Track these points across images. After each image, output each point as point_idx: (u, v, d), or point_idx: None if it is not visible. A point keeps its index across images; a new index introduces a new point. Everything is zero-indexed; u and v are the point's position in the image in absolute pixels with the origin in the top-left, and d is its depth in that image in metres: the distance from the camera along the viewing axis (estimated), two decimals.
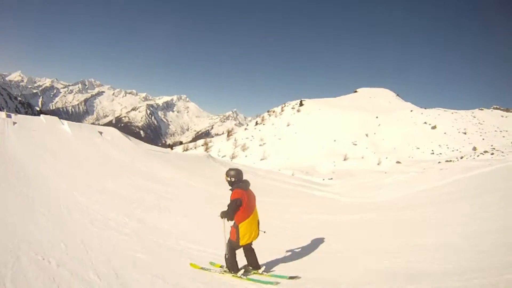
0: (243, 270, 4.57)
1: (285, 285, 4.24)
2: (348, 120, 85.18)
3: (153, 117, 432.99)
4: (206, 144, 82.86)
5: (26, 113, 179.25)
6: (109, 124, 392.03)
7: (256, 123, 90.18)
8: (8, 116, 18.32)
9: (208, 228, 7.69)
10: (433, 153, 73.42)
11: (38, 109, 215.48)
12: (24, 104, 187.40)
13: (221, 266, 4.89)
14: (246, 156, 71.01)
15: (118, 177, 12.50)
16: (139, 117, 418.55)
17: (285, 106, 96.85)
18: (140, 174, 14.19)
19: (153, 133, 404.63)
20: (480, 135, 79.34)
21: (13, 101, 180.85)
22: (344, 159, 65.87)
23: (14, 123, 17.14)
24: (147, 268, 4.73)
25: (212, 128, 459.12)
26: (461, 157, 65.11)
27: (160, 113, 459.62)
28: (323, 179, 44.90)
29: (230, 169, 4.59)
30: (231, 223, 4.48)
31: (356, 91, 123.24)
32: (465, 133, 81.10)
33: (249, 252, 4.67)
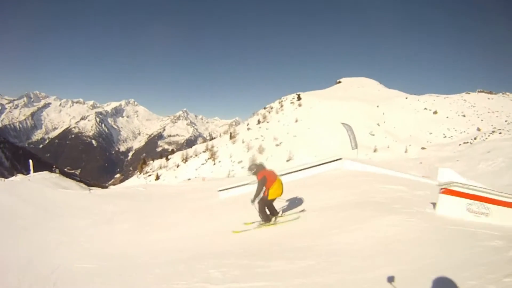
0: (274, 219, 6.56)
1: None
2: (352, 111, 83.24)
3: (103, 125, 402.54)
4: (209, 149, 75.13)
5: None
6: (59, 136, 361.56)
7: (258, 121, 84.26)
8: None
9: None
10: (445, 137, 74.10)
11: None
12: None
13: (253, 223, 6.91)
14: (267, 159, 65.50)
15: None
16: (89, 126, 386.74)
17: (282, 101, 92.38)
18: None
19: (105, 141, 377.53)
20: (478, 117, 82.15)
21: None
22: (374, 151, 63.43)
23: None
24: None
25: (164, 130, 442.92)
26: (474, 138, 65.72)
27: (110, 120, 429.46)
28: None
29: (250, 166, 6.75)
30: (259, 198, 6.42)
31: (339, 82, 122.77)
32: (464, 116, 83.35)
33: (272, 205, 6.61)
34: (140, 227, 10.36)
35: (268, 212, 6.70)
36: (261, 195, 6.37)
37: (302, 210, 6.95)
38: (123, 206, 15.76)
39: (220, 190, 15.26)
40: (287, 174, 14.84)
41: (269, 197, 6.36)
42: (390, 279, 3.07)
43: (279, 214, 6.83)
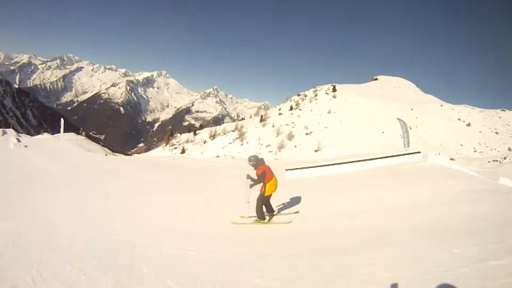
0: (268, 218, 7.01)
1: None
2: (386, 110, 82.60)
3: (133, 94, 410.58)
4: (238, 129, 76.83)
5: (4, 91, 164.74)
6: (88, 100, 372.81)
7: (291, 108, 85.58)
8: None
9: None
10: (475, 151, 73.19)
11: (16, 86, 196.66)
12: (2, 81, 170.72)
13: (249, 217, 7.17)
14: (295, 146, 66.96)
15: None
16: (118, 94, 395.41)
17: (317, 90, 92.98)
18: None
19: (133, 110, 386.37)
20: (511, 136, 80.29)
21: None
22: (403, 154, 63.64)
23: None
24: None
25: (192, 105, 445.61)
26: (504, 158, 65.24)
27: (140, 89, 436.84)
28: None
29: (250, 157, 7.12)
30: (257, 186, 6.92)
31: (376, 79, 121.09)
32: (497, 133, 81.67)
33: (268, 202, 7.10)
34: (205, 202, 9.51)
35: (264, 210, 7.06)
36: (255, 184, 6.89)
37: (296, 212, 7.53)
38: (158, 175, 14.61)
39: (287, 170, 14.74)
40: (358, 162, 14.57)
41: (266, 193, 6.84)
42: None
43: (275, 212, 7.33)
